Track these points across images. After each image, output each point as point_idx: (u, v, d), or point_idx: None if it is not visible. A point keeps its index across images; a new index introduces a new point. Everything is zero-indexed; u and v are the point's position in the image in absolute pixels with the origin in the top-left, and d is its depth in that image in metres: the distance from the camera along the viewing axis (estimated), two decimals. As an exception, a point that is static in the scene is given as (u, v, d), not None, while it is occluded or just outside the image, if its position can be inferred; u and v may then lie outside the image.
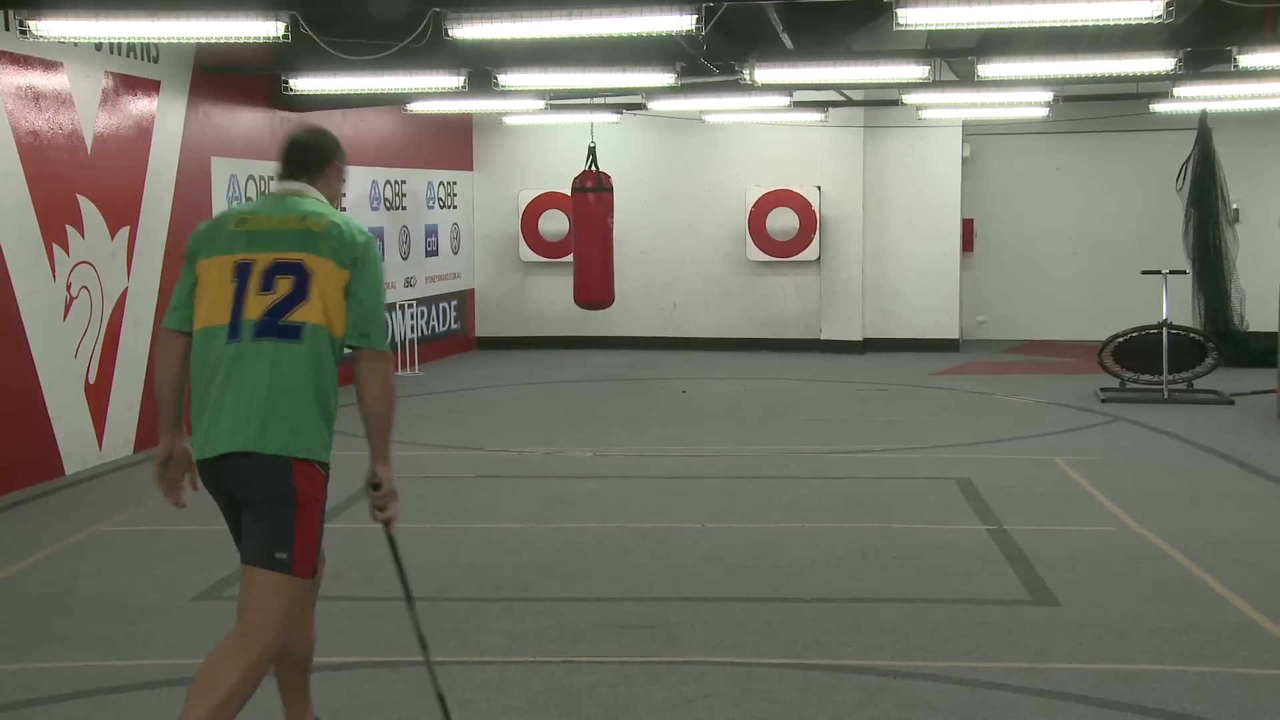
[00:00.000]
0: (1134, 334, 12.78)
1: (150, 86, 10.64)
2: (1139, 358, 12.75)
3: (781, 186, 16.72)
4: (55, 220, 9.42)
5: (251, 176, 12.25)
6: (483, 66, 10.78)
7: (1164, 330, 12.65)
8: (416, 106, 13.99)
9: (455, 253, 17.03)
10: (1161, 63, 10.08)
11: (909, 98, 13.98)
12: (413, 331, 15.37)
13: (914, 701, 5.07)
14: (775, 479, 9.29)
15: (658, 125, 16.77)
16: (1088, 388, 13.16)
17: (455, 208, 17.02)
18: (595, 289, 15.41)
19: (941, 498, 8.63)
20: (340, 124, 14.03)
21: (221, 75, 11.52)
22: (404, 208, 15.52)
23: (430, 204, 16.29)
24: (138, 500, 8.74)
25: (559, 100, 14.38)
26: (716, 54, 10.76)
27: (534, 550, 7.35)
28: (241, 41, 8.71)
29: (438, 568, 6.99)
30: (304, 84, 11.28)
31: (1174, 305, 13.13)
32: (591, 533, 7.73)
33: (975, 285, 17.70)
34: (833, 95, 14.95)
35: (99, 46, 9.90)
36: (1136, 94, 14.59)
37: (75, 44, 9.51)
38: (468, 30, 8.22)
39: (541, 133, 17.12)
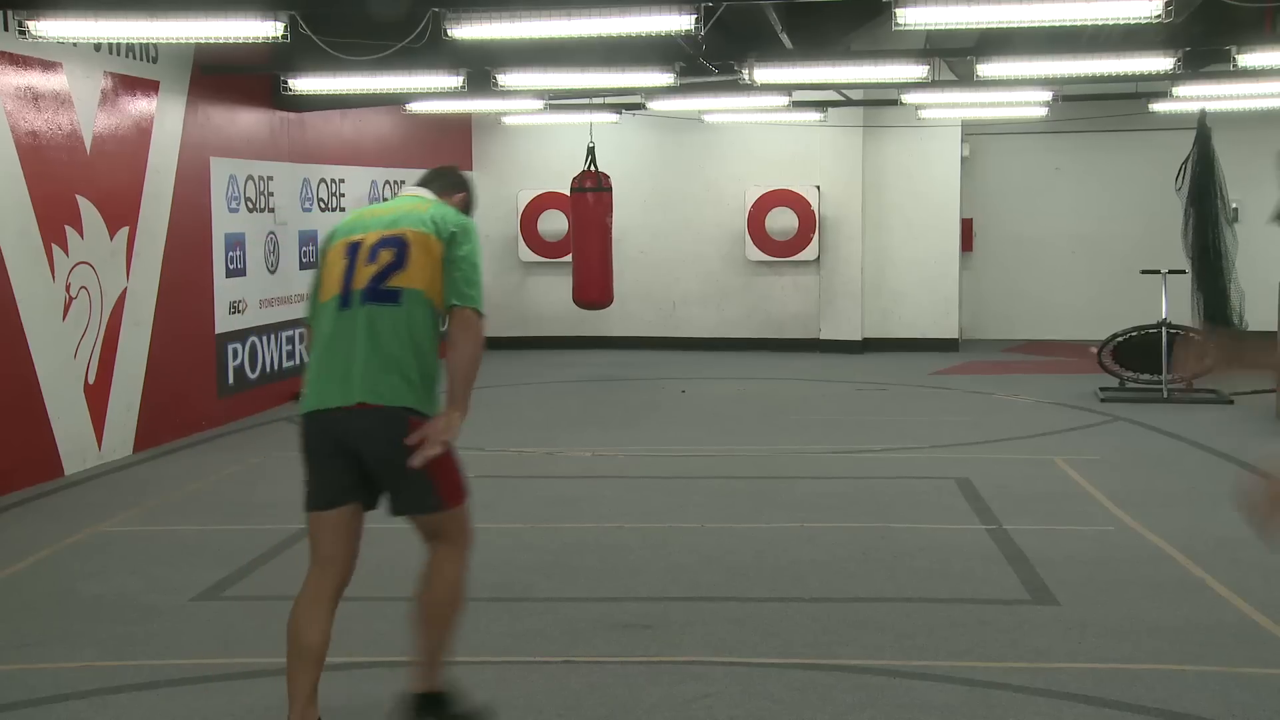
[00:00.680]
0: (1133, 334, 12.79)
1: (149, 87, 10.64)
2: (1138, 357, 12.75)
3: (781, 186, 16.72)
4: (54, 220, 9.42)
5: (251, 177, 12.25)
6: (482, 66, 10.78)
7: (1163, 330, 12.66)
8: (415, 106, 13.99)
9: (454, 253, 17.00)
10: (1161, 62, 10.09)
11: (908, 97, 13.98)
12: (412, 331, 15.34)
13: (913, 701, 5.08)
14: (775, 479, 9.29)
15: (657, 125, 16.78)
16: (1087, 387, 13.16)
17: (454, 208, 17.01)
18: (594, 289, 15.40)
19: (941, 497, 8.63)
20: (339, 124, 14.03)
21: (221, 75, 11.52)
22: (403, 208, 15.50)
23: (429, 204, 16.28)
24: (137, 500, 8.75)
25: (558, 100, 14.38)
26: (715, 54, 10.76)
27: (533, 550, 7.35)
28: (241, 42, 8.70)
29: (437, 568, 6.99)
30: (303, 84, 11.28)
31: (1173, 305, 13.13)
32: (591, 532, 7.73)
33: (974, 285, 17.71)
34: (832, 95, 14.95)
35: (98, 47, 9.90)
36: (1136, 94, 14.59)
37: (74, 44, 9.51)
38: (467, 30, 8.22)
39: (541, 133, 17.12)
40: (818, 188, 16.73)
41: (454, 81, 10.85)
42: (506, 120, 16.71)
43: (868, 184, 16.89)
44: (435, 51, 9.35)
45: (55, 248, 9.42)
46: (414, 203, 4.71)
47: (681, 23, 7.91)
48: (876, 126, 16.72)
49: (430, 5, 8.20)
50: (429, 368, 4.49)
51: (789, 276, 17.00)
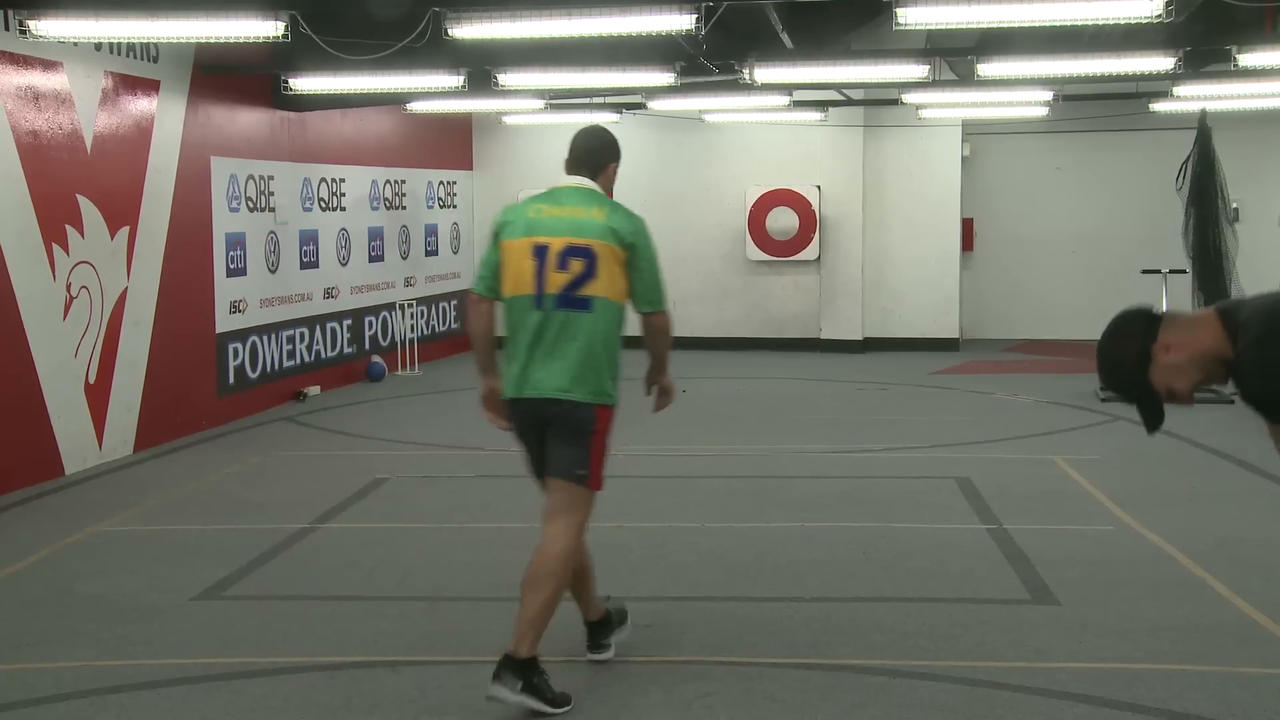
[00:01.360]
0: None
1: (150, 86, 10.65)
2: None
3: (781, 186, 16.72)
4: (55, 220, 9.42)
5: (251, 176, 12.25)
6: (482, 66, 10.78)
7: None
8: (416, 106, 14.00)
9: (455, 252, 17.03)
10: (1161, 62, 10.08)
11: (909, 97, 13.98)
12: (412, 331, 15.36)
13: (913, 701, 5.08)
14: (775, 478, 9.29)
15: (657, 125, 16.78)
16: (1087, 387, 13.16)
17: (455, 207, 17.03)
18: (595, 288, 15.39)
19: (941, 497, 8.63)
20: (340, 124, 14.03)
21: (221, 75, 11.52)
22: (404, 207, 15.52)
23: (430, 204, 16.30)
24: (137, 500, 8.75)
25: (559, 100, 14.38)
26: (716, 53, 10.76)
27: (533, 550, 7.34)
28: (241, 41, 8.70)
29: (437, 567, 7.00)
30: (304, 84, 11.28)
31: (1174, 304, 13.13)
32: (591, 532, 7.69)
33: (975, 284, 17.71)
34: (832, 95, 14.95)
35: (99, 46, 9.90)
36: (1136, 93, 14.59)
37: (75, 44, 9.51)
38: (467, 30, 8.22)
39: (541, 132, 17.12)
40: (818, 187, 16.73)
41: (454, 81, 10.84)
42: (507, 120, 16.71)
43: (868, 184, 16.89)
44: (436, 51, 9.35)
45: (56, 247, 9.42)
46: (586, 204, 5.20)
47: (682, 22, 7.91)
48: (877, 126, 16.71)
49: (431, 5, 8.20)
50: (615, 360, 5.22)
51: (789, 276, 17.00)
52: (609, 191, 5.39)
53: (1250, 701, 5.03)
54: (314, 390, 13.17)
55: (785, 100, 13.57)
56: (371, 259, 14.77)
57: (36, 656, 5.63)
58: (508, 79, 10.76)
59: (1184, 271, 14.44)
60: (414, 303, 15.55)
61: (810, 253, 16.75)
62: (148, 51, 10.56)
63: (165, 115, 10.86)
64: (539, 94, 13.16)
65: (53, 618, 6.19)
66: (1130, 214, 17.33)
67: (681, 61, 10.66)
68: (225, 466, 9.85)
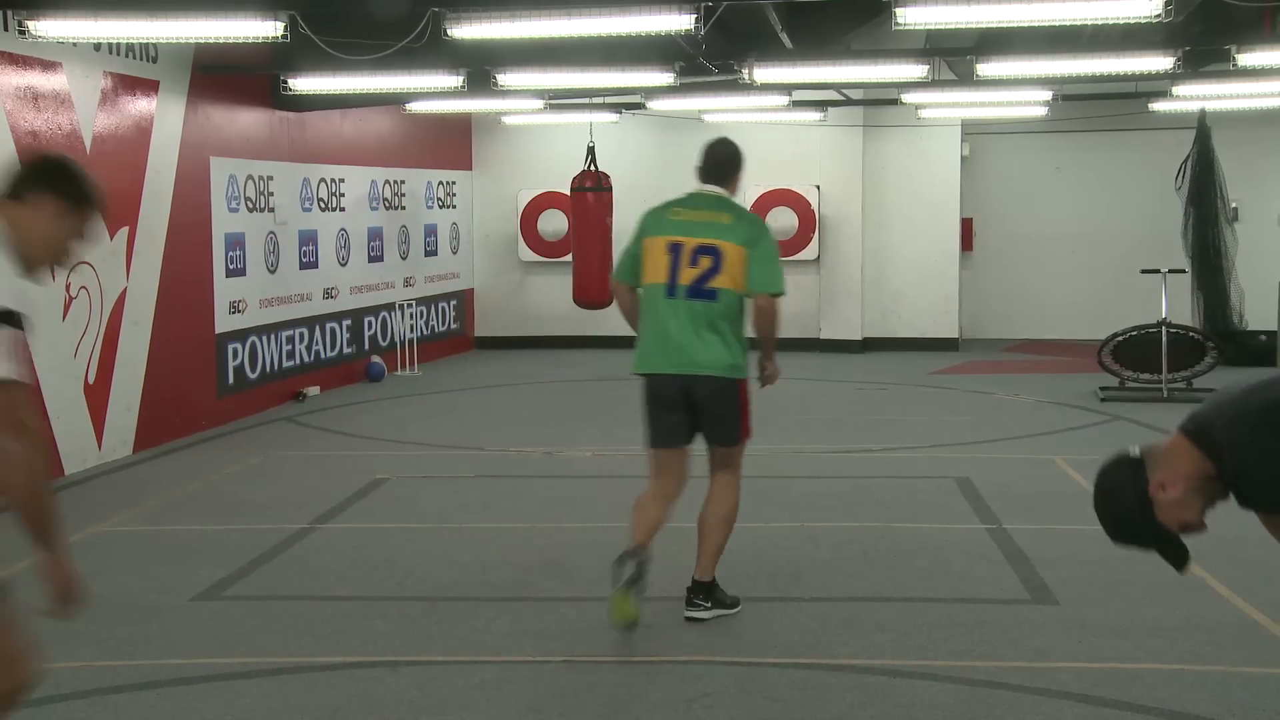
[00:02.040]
0: (1133, 333, 12.78)
1: (149, 87, 10.64)
2: (1138, 357, 12.75)
3: (780, 186, 16.71)
4: (54, 220, 9.40)
5: (250, 176, 12.25)
6: (482, 66, 10.78)
7: (1163, 329, 12.65)
8: (415, 106, 13.99)
9: (454, 252, 17.02)
10: (1160, 62, 10.08)
11: (908, 97, 13.98)
12: (411, 331, 15.36)
13: (913, 701, 5.08)
14: (774, 478, 9.29)
15: (657, 125, 16.77)
16: (1087, 387, 13.16)
17: (454, 207, 17.02)
18: (594, 289, 15.39)
19: (941, 497, 8.63)
20: (339, 124, 14.03)
21: (220, 75, 11.52)
22: (403, 207, 15.52)
23: (429, 204, 16.29)
24: (137, 500, 8.75)
25: (558, 100, 14.38)
26: (715, 53, 10.75)
27: (533, 550, 7.36)
28: (240, 41, 8.71)
29: (437, 567, 7.00)
30: (303, 84, 11.28)
31: (1173, 304, 13.13)
32: (590, 532, 7.73)
33: (974, 284, 17.70)
34: (832, 95, 14.94)
35: (98, 47, 9.89)
36: (1135, 93, 14.59)
37: (74, 44, 9.51)
38: (467, 30, 8.22)
39: (540, 132, 17.12)
40: (818, 187, 16.72)
41: (454, 81, 10.84)
42: (506, 120, 16.70)
43: (868, 183, 16.89)
44: (435, 51, 9.36)
45: (55, 247, 9.40)
46: (717, 211, 6.10)
47: (681, 22, 7.91)
48: (876, 126, 16.71)
49: (430, 5, 8.20)
50: (742, 339, 6.02)
51: (789, 276, 16.63)
52: (734, 194, 6.24)
53: (1250, 701, 5.03)
54: (313, 390, 13.17)
55: (785, 100, 13.58)
56: (371, 259, 14.76)
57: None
58: (507, 79, 10.76)
59: (1183, 271, 14.46)
60: (413, 303, 15.55)
61: (810, 253, 16.75)
62: (147, 52, 10.55)
63: (164, 115, 10.86)
64: (538, 94, 13.16)
65: (51, 619, 6.18)
66: (1129, 214, 17.32)
67: (681, 61, 10.65)
68: (225, 467, 9.85)
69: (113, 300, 10.10)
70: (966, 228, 17.51)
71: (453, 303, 16.90)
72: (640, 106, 14.70)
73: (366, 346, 14.57)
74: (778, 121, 16.07)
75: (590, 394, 13.80)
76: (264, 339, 12.51)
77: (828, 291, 16.92)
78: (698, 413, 6.05)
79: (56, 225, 3.63)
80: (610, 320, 16.98)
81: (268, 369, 12.58)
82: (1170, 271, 13.28)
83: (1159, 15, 7.66)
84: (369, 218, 14.68)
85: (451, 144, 17.00)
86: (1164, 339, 12.59)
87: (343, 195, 14.06)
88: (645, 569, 5.81)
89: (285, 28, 8.20)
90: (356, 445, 10.81)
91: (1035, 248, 17.82)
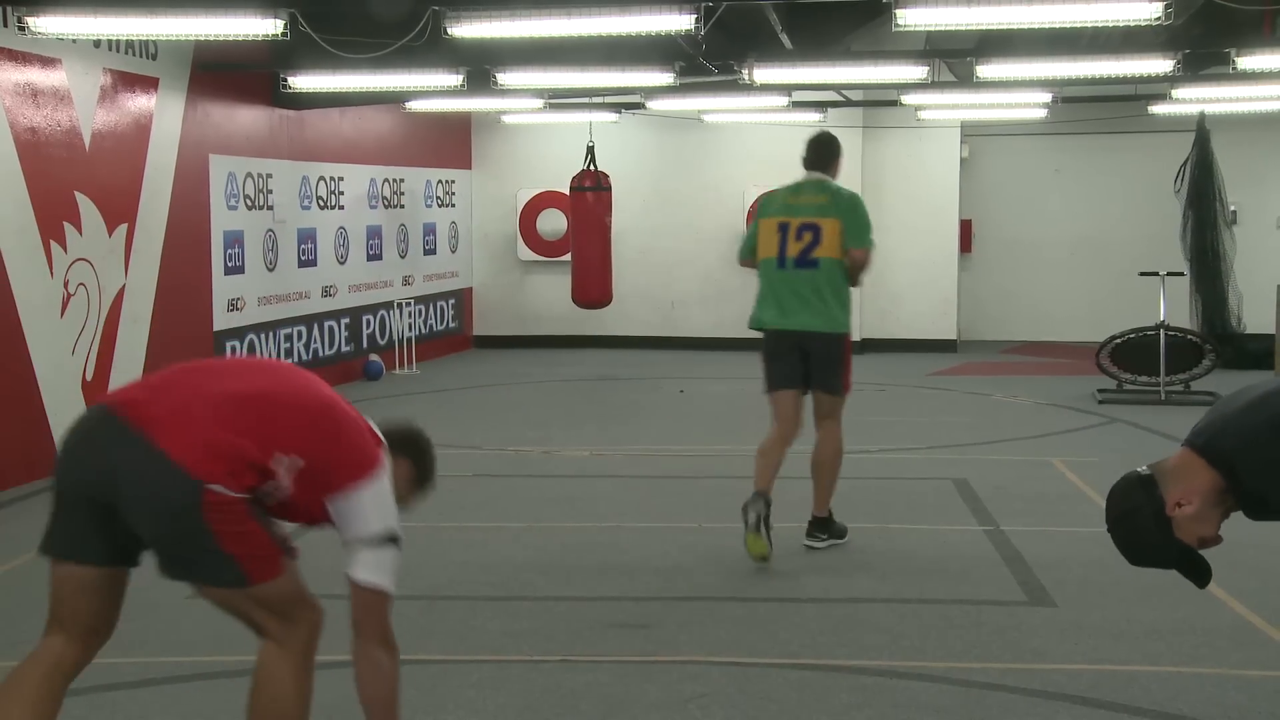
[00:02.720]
0: (1131, 335, 12.79)
1: (149, 84, 10.64)
2: (1136, 359, 12.75)
3: (780, 186, 16.68)
4: (53, 217, 9.41)
5: (250, 174, 12.24)
6: (481, 65, 10.77)
7: (1161, 332, 12.66)
8: (415, 105, 13.98)
9: (453, 251, 17.02)
10: (1160, 64, 10.08)
11: (908, 98, 13.97)
12: (410, 330, 15.36)
13: (909, 702, 5.08)
14: (772, 479, 9.29)
15: (656, 125, 16.77)
16: (1085, 389, 13.16)
17: (453, 206, 17.02)
18: (593, 288, 15.41)
19: (938, 498, 8.63)
20: (339, 122, 14.03)
21: (220, 73, 11.52)
22: (402, 206, 15.52)
23: (428, 202, 16.29)
24: (134, 497, 8.73)
25: (558, 99, 14.37)
26: (715, 54, 10.76)
27: (531, 549, 7.35)
28: (240, 39, 8.70)
29: (434, 566, 6.99)
30: (303, 82, 11.28)
31: (1171, 307, 13.14)
32: (588, 532, 7.73)
33: (973, 286, 17.71)
34: (831, 95, 14.94)
35: (97, 43, 9.89)
36: (1135, 95, 14.60)
37: (74, 41, 9.51)
38: (466, 29, 8.22)
39: (540, 132, 17.12)
40: (817, 188, 16.70)
41: (454, 80, 10.84)
42: (506, 119, 16.70)
43: (867, 184, 16.83)
44: (435, 50, 9.35)
45: (54, 244, 9.41)
46: (817, 194, 7.32)
47: (681, 22, 7.91)
48: (876, 127, 16.71)
49: (430, 3, 8.19)
50: (845, 300, 7.21)
51: (788, 277, 16.97)
52: (835, 179, 7.46)
53: (1246, 704, 5.03)
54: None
55: (784, 101, 13.57)
56: (370, 258, 14.76)
57: (33, 654, 5.62)
58: (507, 78, 10.75)
59: (1182, 274, 14.47)
60: (412, 301, 15.55)
61: (808, 253, 16.72)
62: (146, 49, 10.55)
63: (164, 113, 10.86)
64: (538, 93, 13.15)
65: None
66: (1128, 216, 17.33)
67: (681, 62, 10.65)
68: (222, 464, 9.83)
69: (111, 297, 10.10)
70: (965, 229, 17.51)
71: (451, 302, 16.90)
72: (640, 106, 14.70)
73: (365, 345, 14.57)
74: (777, 122, 16.06)
75: (589, 393, 13.81)
76: (262, 337, 12.51)
77: (826, 292, 16.90)
78: (809, 363, 7.21)
79: (406, 487, 4.17)
80: (608, 320, 17.04)
81: (266, 367, 12.55)
82: (1169, 274, 13.28)
83: (1159, 18, 7.67)
84: (368, 216, 14.68)
85: (451, 143, 17.00)
86: (1162, 342, 12.60)
87: (342, 194, 14.06)
88: (768, 509, 6.84)
89: (285, 25, 8.19)
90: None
91: (1034, 250, 17.83)
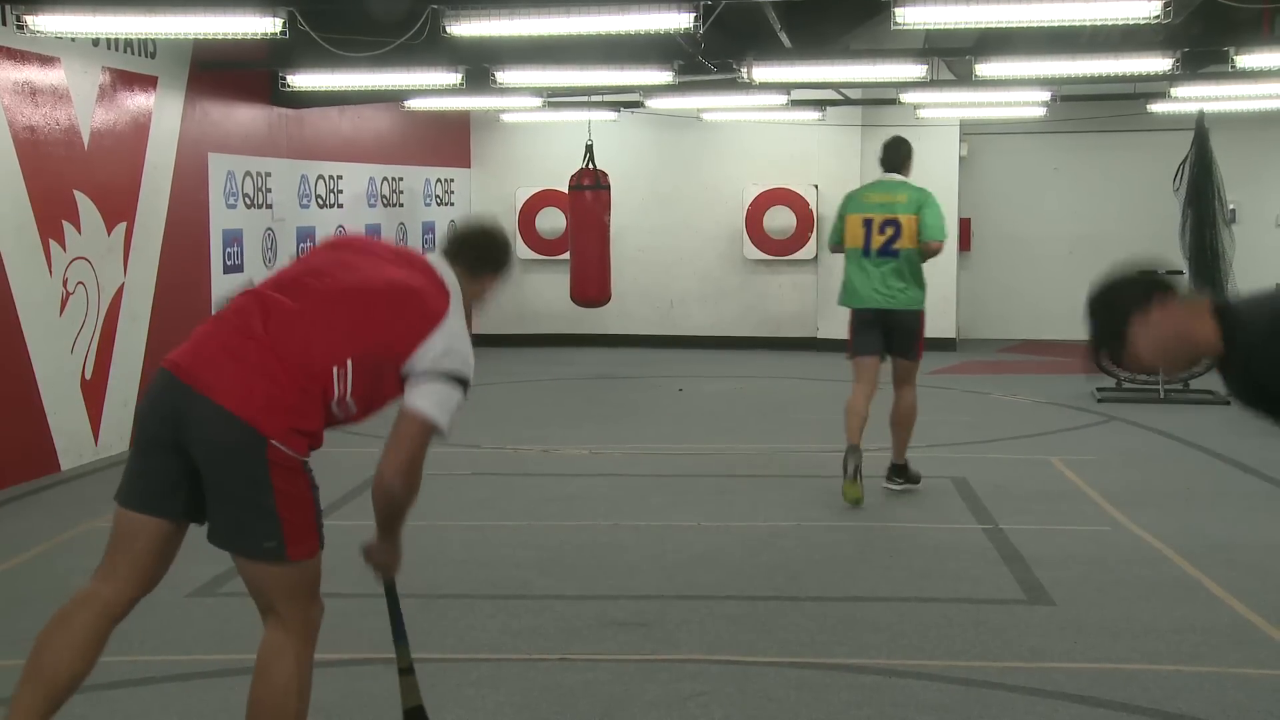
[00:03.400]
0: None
1: (147, 82, 10.63)
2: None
3: (779, 185, 16.72)
4: (52, 216, 9.41)
5: (249, 173, 12.24)
6: (480, 64, 10.77)
7: (1160, 330, 12.64)
8: (414, 103, 13.98)
9: (452, 250, 16.98)
10: (1159, 63, 10.08)
11: (906, 97, 13.98)
12: (409, 328, 15.33)
13: (908, 700, 5.08)
14: (771, 477, 9.30)
15: (655, 123, 16.77)
16: (1084, 388, 13.17)
17: (452, 205, 17.02)
18: (592, 287, 15.40)
19: (937, 497, 8.64)
20: (338, 121, 14.02)
21: (219, 71, 11.51)
22: (401, 205, 15.52)
23: (427, 201, 16.29)
24: (133, 496, 8.73)
25: (557, 98, 14.37)
26: (714, 52, 10.75)
27: (529, 547, 7.36)
28: (239, 38, 8.70)
29: (433, 564, 6.99)
30: (301, 80, 11.27)
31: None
32: (587, 530, 7.73)
33: (972, 285, 17.70)
34: (830, 94, 14.94)
35: (96, 42, 9.88)
36: (1134, 94, 14.59)
37: (72, 39, 9.50)
38: (466, 27, 8.22)
39: (539, 130, 17.12)
40: (816, 187, 16.73)
41: (453, 78, 10.84)
42: (505, 118, 16.70)
43: (866, 183, 16.85)
44: (434, 48, 9.35)
45: (53, 243, 9.41)
46: (896, 193, 8.47)
47: (680, 21, 7.91)
48: (875, 126, 16.64)
49: (429, 2, 8.19)
50: (916, 283, 8.48)
51: (786, 275, 17.00)
52: (908, 175, 8.61)
53: (1245, 703, 5.04)
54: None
55: (783, 99, 13.57)
56: (369, 256, 14.73)
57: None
58: (506, 77, 10.75)
59: (1180, 272, 14.45)
60: (411, 300, 15.52)
61: (807, 252, 16.76)
62: (145, 48, 10.54)
63: (163, 111, 10.85)
64: (537, 92, 13.15)
65: (47, 613, 6.16)
66: (1127, 215, 17.32)
67: (680, 60, 10.65)
68: (221, 463, 9.83)
69: (110, 295, 10.10)
70: (964, 228, 17.50)
71: (450, 300, 16.87)
72: (639, 105, 14.70)
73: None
74: (776, 121, 16.07)
75: (587, 392, 13.81)
76: (261, 335, 12.48)
77: (825, 291, 16.88)
78: (889, 335, 8.43)
79: (485, 287, 4.44)
80: (608, 318, 17.04)
81: (265, 365, 12.55)
82: (1168, 273, 13.24)
83: (1158, 16, 7.67)
84: (367, 215, 14.68)
85: (450, 141, 17.00)
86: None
87: (341, 192, 14.05)
88: (861, 459, 8.09)
89: (284, 24, 8.19)
90: (352, 442, 10.73)
91: (1033, 248, 17.82)
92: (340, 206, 14.04)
